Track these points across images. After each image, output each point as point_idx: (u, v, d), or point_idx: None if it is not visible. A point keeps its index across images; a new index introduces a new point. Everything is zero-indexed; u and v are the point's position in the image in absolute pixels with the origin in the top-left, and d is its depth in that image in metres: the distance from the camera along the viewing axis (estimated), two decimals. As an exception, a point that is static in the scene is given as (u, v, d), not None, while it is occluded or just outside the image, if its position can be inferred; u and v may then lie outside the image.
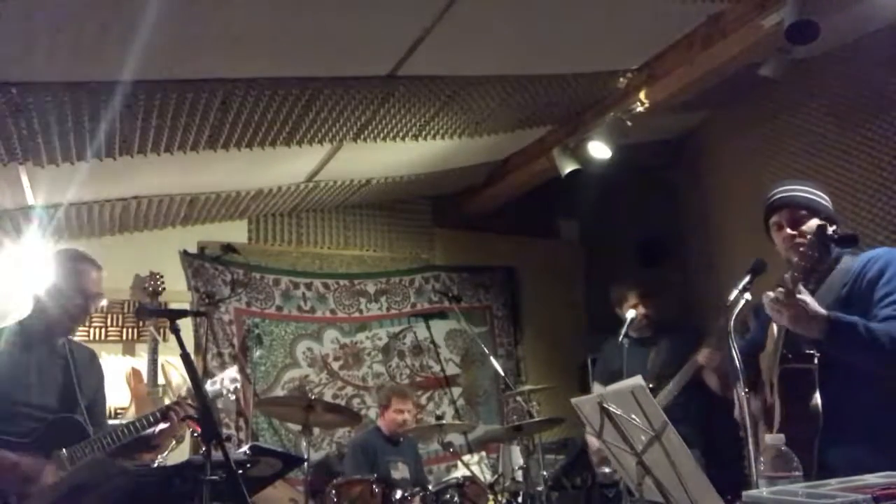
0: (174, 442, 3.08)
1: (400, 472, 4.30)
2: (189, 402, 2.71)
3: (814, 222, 2.22)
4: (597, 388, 4.20)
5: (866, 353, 2.02)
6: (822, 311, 2.02)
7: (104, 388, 2.92)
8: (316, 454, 4.95)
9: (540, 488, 4.11)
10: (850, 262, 2.24)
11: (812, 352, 2.13)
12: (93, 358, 2.89)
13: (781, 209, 2.34)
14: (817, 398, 2.09)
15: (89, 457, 2.46)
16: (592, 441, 4.26)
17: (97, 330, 4.67)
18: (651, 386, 3.87)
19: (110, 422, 2.99)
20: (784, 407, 2.10)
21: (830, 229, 2.12)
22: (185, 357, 2.26)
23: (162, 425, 2.64)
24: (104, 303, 4.53)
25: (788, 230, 2.29)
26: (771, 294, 2.06)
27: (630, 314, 4.03)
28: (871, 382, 2.08)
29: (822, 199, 2.37)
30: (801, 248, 2.12)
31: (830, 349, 2.06)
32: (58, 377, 2.65)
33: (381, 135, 4.19)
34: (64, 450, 2.47)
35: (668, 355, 4.00)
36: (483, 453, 4.77)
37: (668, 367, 3.90)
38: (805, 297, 2.00)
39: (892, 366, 2.03)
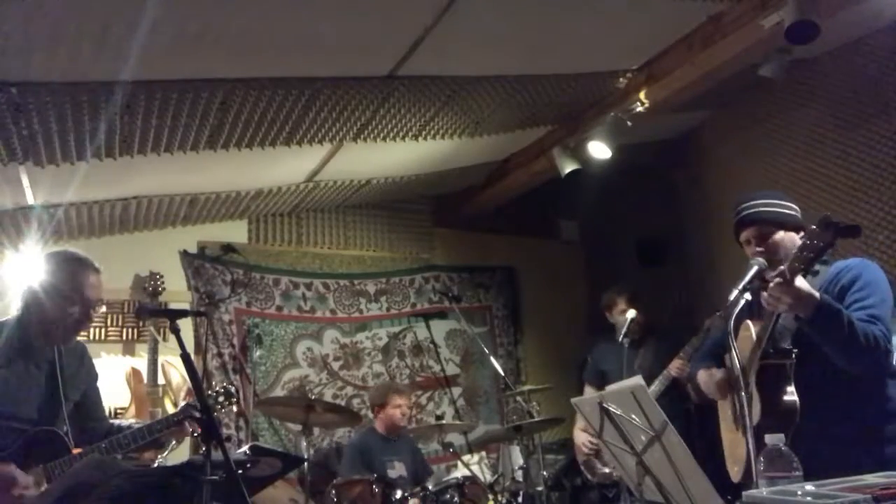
0: (174, 442, 3.05)
1: (396, 470, 4.29)
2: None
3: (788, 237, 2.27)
4: (588, 391, 4.22)
5: (844, 344, 2.06)
6: (815, 292, 2.06)
7: (96, 381, 2.76)
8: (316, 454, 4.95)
9: (540, 488, 4.12)
10: (821, 270, 2.26)
11: (791, 348, 2.17)
12: (82, 355, 2.70)
13: (749, 226, 2.37)
14: (792, 392, 2.13)
15: (88, 456, 2.45)
16: (579, 436, 4.25)
17: (97, 330, 4.66)
18: None
19: (112, 422, 2.88)
20: (762, 400, 2.13)
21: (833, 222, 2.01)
22: (185, 357, 2.25)
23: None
24: (103, 308, 4.49)
25: (757, 248, 2.33)
26: (770, 284, 2.08)
27: (630, 315, 4.04)
28: (847, 382, 2.13)
29: (789, 209, 2.39)
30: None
31: (812, 331, 2.10)
32: (42, 386, 2.51)
33: (381, 135, 4.19)
34: (41, 466, 2.37)
35: (653, 357, 4.04)
36: (483, 453, 4.77)
37: (653, 370, 3.92)
38: (800, 282, 2.04)
39: (860, 364, 2.09)
